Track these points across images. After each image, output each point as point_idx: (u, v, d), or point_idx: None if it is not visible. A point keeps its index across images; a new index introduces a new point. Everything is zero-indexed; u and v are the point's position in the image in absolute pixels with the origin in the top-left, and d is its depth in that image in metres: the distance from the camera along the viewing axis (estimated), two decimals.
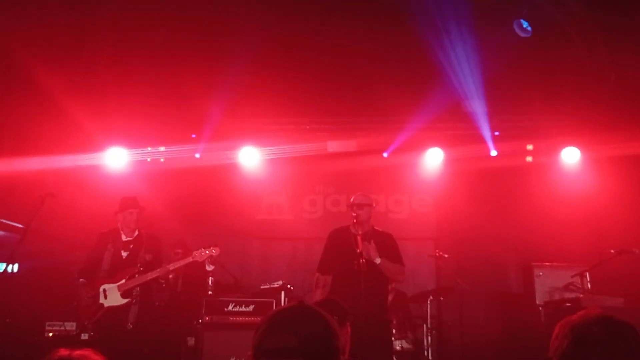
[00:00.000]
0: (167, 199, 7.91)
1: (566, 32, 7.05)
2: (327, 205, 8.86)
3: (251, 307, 6.42)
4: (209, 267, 5.93)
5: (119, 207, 5.66)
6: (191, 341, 6.65)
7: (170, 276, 5.50)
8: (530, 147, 8.26)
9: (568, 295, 6.69)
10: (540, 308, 6.90)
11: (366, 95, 7.90)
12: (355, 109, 8.25)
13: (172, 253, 6.95)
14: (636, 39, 6.60)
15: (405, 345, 6.77)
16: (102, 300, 5.36)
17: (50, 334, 6.10)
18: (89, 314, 5.34)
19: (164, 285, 5.72)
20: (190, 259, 5.54)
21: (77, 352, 1.91)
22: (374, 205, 5.38)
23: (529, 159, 8.28)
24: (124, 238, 5.62)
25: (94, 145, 7.77)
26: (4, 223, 6.91)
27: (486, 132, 8.13)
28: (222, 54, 7.15)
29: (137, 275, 5.41)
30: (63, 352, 1.89)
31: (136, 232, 5.67)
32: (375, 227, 5.20)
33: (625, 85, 7.12)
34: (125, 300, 5.36)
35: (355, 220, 5.03)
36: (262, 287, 6.81)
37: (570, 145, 8.10)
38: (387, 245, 5.05)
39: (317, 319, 1.59)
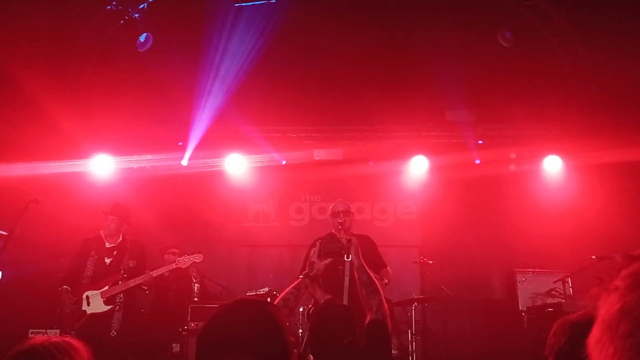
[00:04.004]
0: (153, 207, 7.88)
1: (548, 42, 7.19)
2: (313, 213, 8.89)
3: None
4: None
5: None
6: (176, 348, 6.61)
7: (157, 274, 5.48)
8: (513, 155, 8.38)
9: (550, 300, 6.75)
10: (523, 314, 6.98)
11: (352, 104, 7.97)
12: (341, 117, 8.33)
13: (168, 253, 6.90)
14: (617, 49, 6.74)
15: None
16: (85, 307, 5.33)
17: None
18: (72, 321, 5.30)
19: (147, 292, 5.71)
20: (173, 266, 5.55)
21: (55, 340, 1.79)
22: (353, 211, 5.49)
23: (512, 167, 8.40)
24: (107, 245, 5.60)
25: (80, 151, 7.75)
26: None
27: (470, 141, 8.24)
28: (208, 63, 7.19)
29: (120, 282, 5.39)
30: (38, 339, 1.76)
31: (120, 238, 5.65)
32: (353, 232, 5.28)
33: (606, 94, 7.26)
34: (108, 307, 5.34)
35: (341, 227, 5.09)
36: (248, 294, 6.80)
37: (552, 154, 8.21)
38: (368, 248, 5.10)
39: (268, 322, 1.56)
